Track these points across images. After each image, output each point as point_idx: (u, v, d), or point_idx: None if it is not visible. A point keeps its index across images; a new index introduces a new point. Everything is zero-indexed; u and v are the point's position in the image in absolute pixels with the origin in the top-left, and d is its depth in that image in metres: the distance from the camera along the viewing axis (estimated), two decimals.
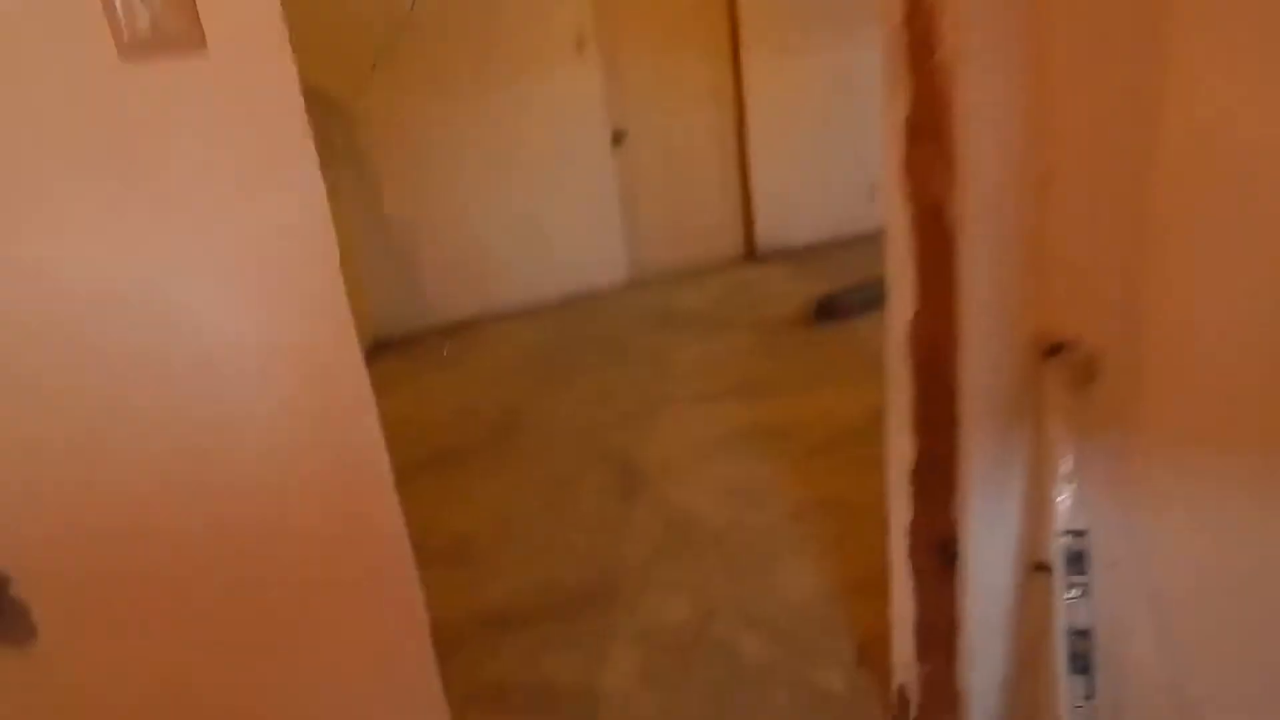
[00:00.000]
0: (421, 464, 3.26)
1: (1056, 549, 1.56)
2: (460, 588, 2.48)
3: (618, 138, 5.23)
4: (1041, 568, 1.73)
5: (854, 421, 3.25)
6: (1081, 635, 1.45)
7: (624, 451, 3.21)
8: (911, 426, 1.59)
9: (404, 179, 4.67)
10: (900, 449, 1.65)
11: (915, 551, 1.69)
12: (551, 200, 5.08)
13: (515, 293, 5.10)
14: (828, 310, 4.44)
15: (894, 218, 1.45)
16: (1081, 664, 1.44)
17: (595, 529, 2.71)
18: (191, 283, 1.16)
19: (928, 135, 1.35)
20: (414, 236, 4.76)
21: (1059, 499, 1.42)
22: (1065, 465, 1.41)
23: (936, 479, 1.58)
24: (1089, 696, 1.46)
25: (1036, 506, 1.67)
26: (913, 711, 1.80)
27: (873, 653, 2.06)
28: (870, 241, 5.84)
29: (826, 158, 5.90)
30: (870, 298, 4.56)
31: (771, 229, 5.81)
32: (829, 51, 5.73)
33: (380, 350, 4.58)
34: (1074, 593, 1.43)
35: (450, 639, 2.25)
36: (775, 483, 2.88)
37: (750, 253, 5.82)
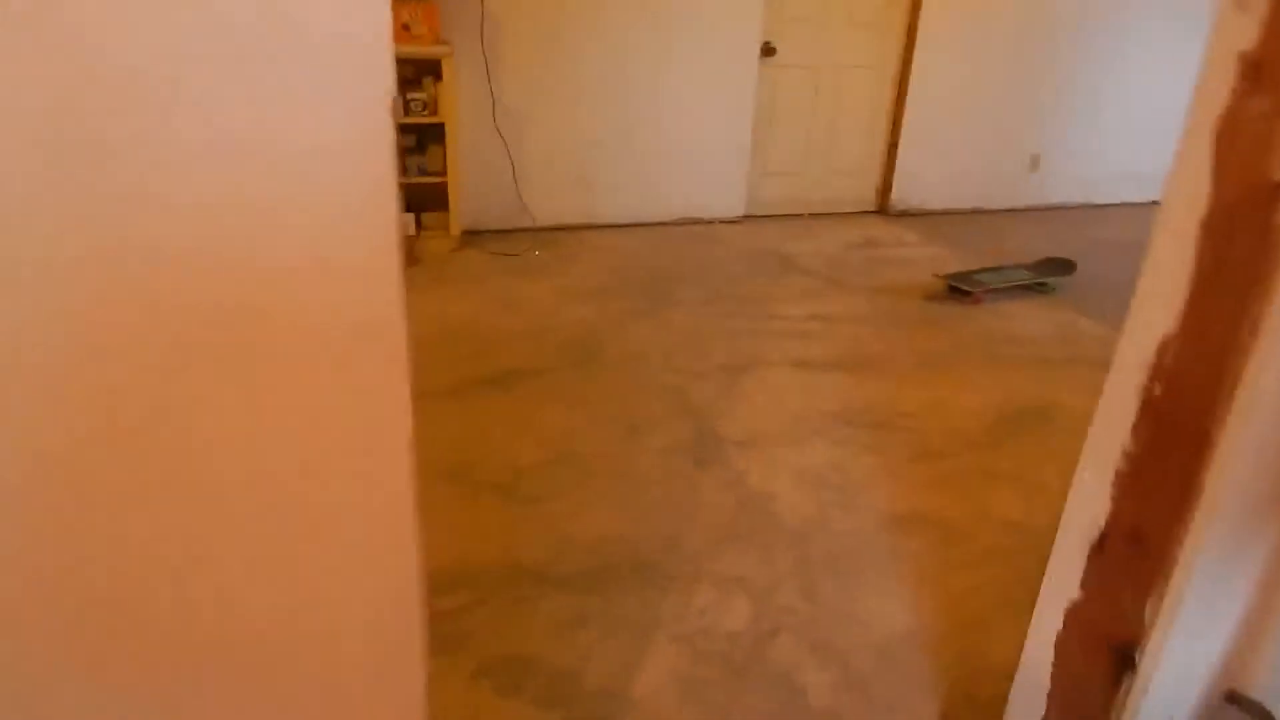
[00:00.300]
0: (486, 380, 2.96)
1: (1270, 687, 1.14)
2: (504, 528, 2.19)
3: (767, 50, 4.68)
4: (1235, 699, 1.30)
5: (971, 425, 2.80)
6: None
7: (706, 410, 2.84)
8: (1115, 482, 1.16)
9: (526, 62, 4.27)
10: (1086, 506, 1.22)
11: (1072, 643, 1.28)
12: (679, 107, 4.60)
13: (622, 206, 4.71)
14: (960, 288, 3.91)
15: (1178, 195, 0.99)
16: None
17: (661, 494, 2.36)
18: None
19: (1272, 81, 0.88)
20: (526, 125, 4.38)
21: None
22: None
23: (1135, 560, 1.15)
24: None
25: (1257, 625, 1.23)
26: None
27: None
28: (1019, 219, 5.18)
29: (987, 119, 5.22)
30: (1012, 282, 4.01)
31: (911, 185, 5.22)
32: (1013, 8, 4.99)
33: (468, 240, 4.28)
34: None
35: (482, 588, 1.96)
36: (871, 483, 2.47)
37: (883, 206, 5.26)
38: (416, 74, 3.96)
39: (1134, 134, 5.58)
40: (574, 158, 4.53)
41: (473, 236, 4.35)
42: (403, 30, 3.71)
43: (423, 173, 4.05)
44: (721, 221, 4.91)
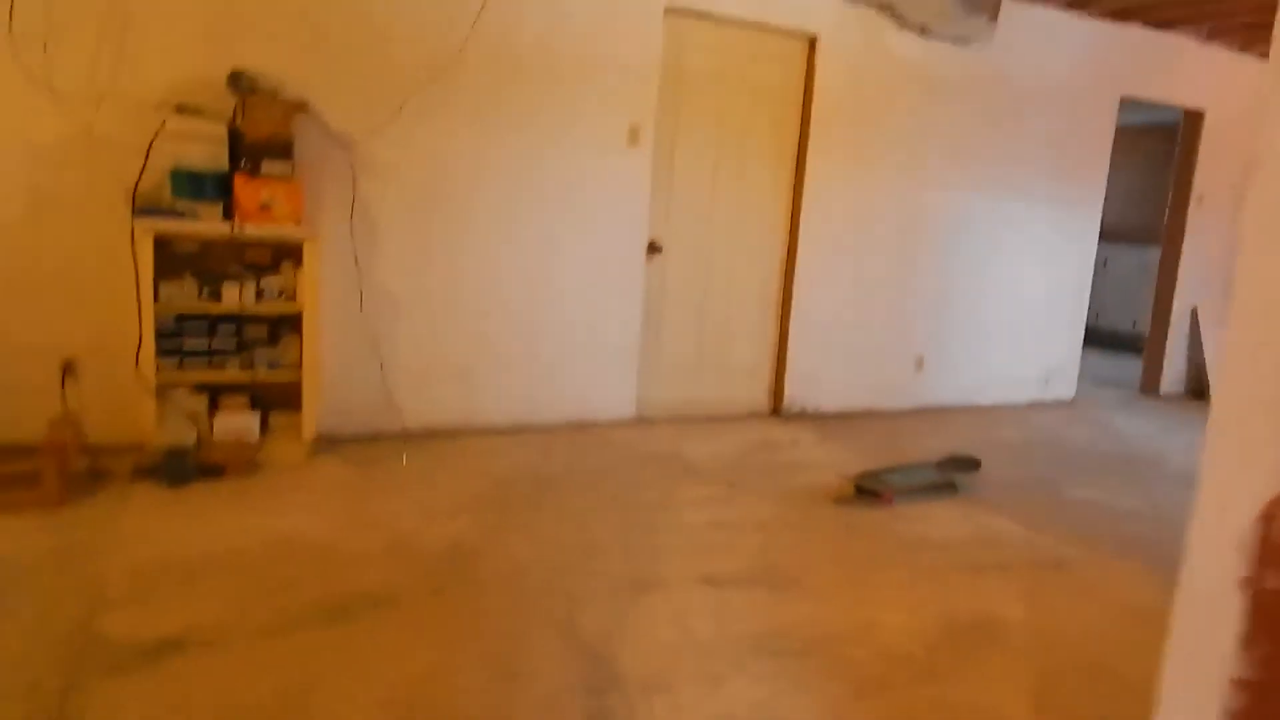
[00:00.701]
0: (324, 612, 2.37)
1: None
2: None
3: (654, 248, 4.60)
4: None
5: (911, 648, 2.39)
6: None
7: (601, 643, 2.33)
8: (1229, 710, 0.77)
9: (401, 249, 3.99)
10: None
11: None
12: (566, 302, 4.38)
13: (505, 407, 4.32)
14: (870, 488, 3.64)
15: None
16: None
17: None
18: None
19: None
20: (398, 318, 4.03)
21: None
22: None
23: None
24: None
25: None
26: None
27: None
28: (912, 418, 5.07)
29: (874, 320, 5.27)
30: (920, 482, 3.78)
31: (804, 387, 5.10)
32: (896, 212, 5.22)
33: (325, 446, 3.75)
34: None
35: None
36: None
37: (777, 408, 5.09)
38: (275, 258, 3.60)
39: (1008, 337, 5.76)
40: (451, 354, 4.17)
41: (331, 443, 3.83)
42: (260, 210, 3.38)
43: (275, 368, 3.58)
44: (612, 423, 4.58)
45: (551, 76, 4.14)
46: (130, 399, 3.35)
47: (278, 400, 3.65)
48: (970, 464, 4.02)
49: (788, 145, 4.89)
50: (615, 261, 4.46)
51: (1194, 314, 6.55)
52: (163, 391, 3.36)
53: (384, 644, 2.23)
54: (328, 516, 3.04)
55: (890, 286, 5.28)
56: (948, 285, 5.47)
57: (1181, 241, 6.40)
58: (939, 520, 3.48)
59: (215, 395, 3.54)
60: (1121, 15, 5.64)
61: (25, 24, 3.24)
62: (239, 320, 3.54)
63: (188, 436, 3.38)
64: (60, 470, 2.95)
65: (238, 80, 3.45)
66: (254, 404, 3.61)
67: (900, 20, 4.96)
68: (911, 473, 3.85)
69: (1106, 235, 6.44)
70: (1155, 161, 8.48)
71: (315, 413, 3.65)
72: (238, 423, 3.51)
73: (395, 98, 3.84)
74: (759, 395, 5.09)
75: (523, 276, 4.26)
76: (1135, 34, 5.76)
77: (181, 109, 3.38)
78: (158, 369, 3.32)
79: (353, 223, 3.84)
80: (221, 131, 3.38)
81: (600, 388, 4.55)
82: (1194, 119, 6.26)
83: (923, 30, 5.03)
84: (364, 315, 3.92)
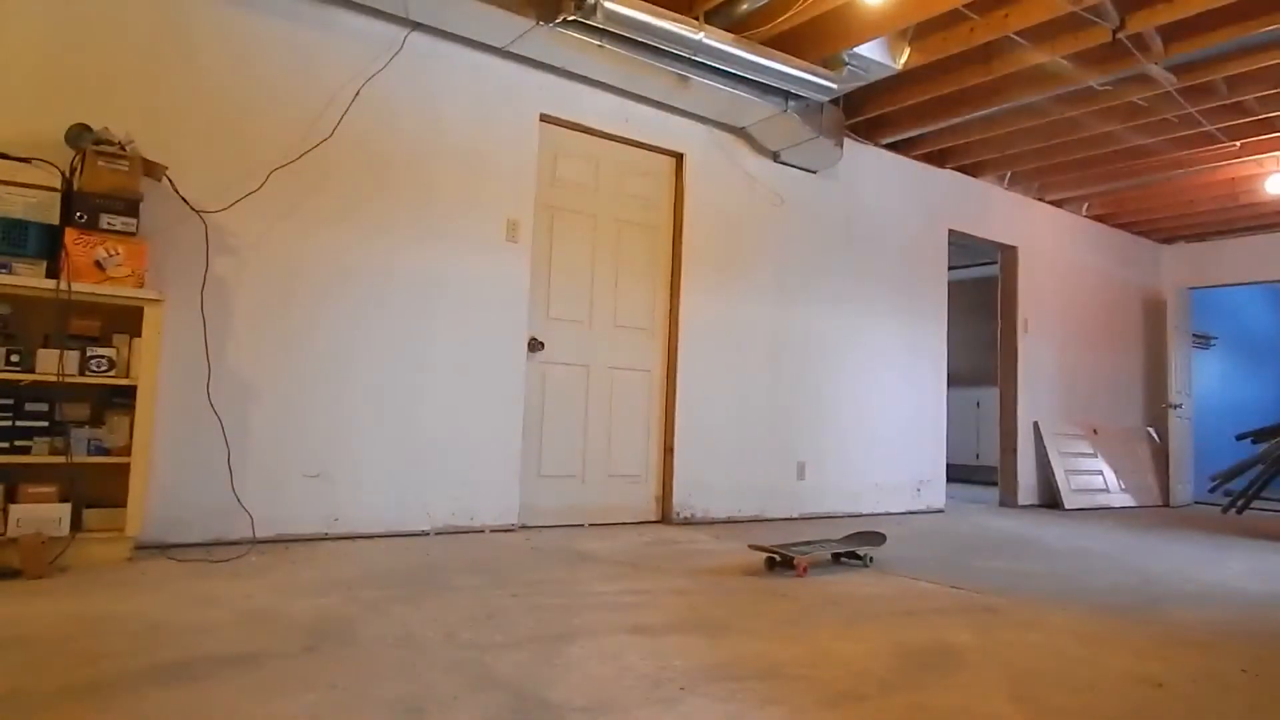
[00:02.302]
0: (163, 673, 1.82)
1: None
2: None
3: (535, 345, 4.42)
4: None
5: (874, 667, 2.12)
6: None
7: (523, 679, 1.90)
8: None
9: (259, 330, 3.60)
10: None
11: None
12: (441, 399, 4.05)
13: (372, 512, 3.83)
14: (783, 555, 3.42)
15: None
16: None
17: None
18: None
19: None
20: (252, 405, 3.56)
21: None
22: None
23: None
24: None
25: None
26: None
27: None
28: (799, 525, 4.92)
29: (757, 428, 5.23)
30: (831, 550, 3.60)
31: (692, 493, 4.89)
32: (767, 324, 5.36)
33: (150, 555, 3.11)
34: None
35: None
36: None
37: (665, 515, 4.82)
38: (106, 325, 3.13)
39: (881, 448, 5.86)
40: (312, 453, 3.70)
41: (162, 550, 3.20)
42: (94, 267, 2.97)
43: (98, 451, 3.01)
44: (494, 530, 4.15)
45: (426, 171, 4.07)
46: None
47: (97, 490, 3.04)
48: (877, 538, 3.89)
49: (662, 254, 4.98)
50: (494, 359, 4.23)
51: (1036, 427, 6.98)
52: None
53: (249, 693, 1.72)
54: (158, 597, 2.45)
55: (769, 395, 5.30)
56: (822, 396, 5.57)
57: (1016, 363, 6.93)
58: (859, 583, 3.27)
59: (15, 482, 2.90)
60: (937, 160, 6.37)
61: None
62: (54, 395, 2.99)
63: None
64: None
65: (79, 134, 3.13)
66: (63, 495, 2.98)
67: (755, 145, 5.34)
68: (820, 546, 3.66)
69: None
70: (971, 313, 9.34)
71: (143, 506, 3.06)
72: (40, 515, 2.87)
73: (258, 175, 3.61)
74: (647, 502, 4.82)
75: (393, 372, 3.93)
76: (953, 177, 6.50)
77: (3, 155, 2.99)
78: None
79: (203, 298, 3.46)
80: (54, 180, 3.01)
81: (480, 493, 4.14)
82: (1010, 252, 7.00)
83: (775, 156, 5.43)
84: (210, 403, 3.44)
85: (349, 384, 3.81)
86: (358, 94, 3.88)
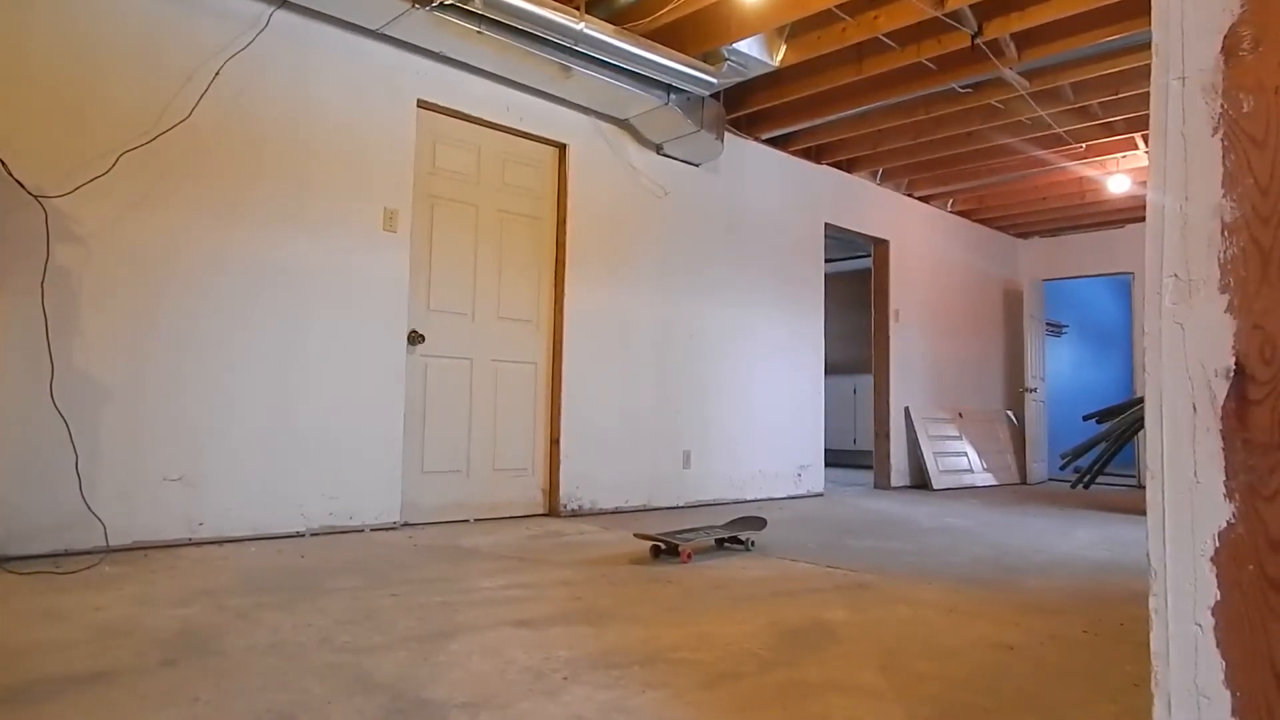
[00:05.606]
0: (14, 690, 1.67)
1: None
2: None
3: (415, 338, 4.30)
4: None
5: (752, 647, 2.19)
6: None
7: (400, 680, 1.86)
8: None
9: (110, 324, 3.35)
10: None
11: None
12: (315, 392, 3.90)
13: (240, 515, 3.64)
14: (667, 543, 3.47)
15: None
16: None
17: None
18: None
19: None
20: (102, 405, 3.32)
21: None
22: None
23: None
24: None
25: None
26: None
27: None
28: (686, 514, 5.03)
29: (642, 417, 5.28)
30: (713, 536, 3.68)
31: (579, 485, 4.89)
32: (651, 316, 5.40)
33: None
34: None
35: None
36: (674, 717, 1.67)
37: (553, 508, 4.80)
38: None
39: (762, 436, 6.02)
40: (175, 453, 3.49)
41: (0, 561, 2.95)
42: None
43: None
44: (374, 529, 4.03)
45: (299, 157, 3.89)
46: None
47: None
48: (758, 522, 3.99)
49: (546, 246, 4.95)
50: (373, 353, 4.10)
51: (906, 412, 7.34)
52: None
53: (97, 714, 1.60)
54: None
55: (655, 386, 5.35)
56: (706, 386, 5.67)
57: (888, 352, 7.26)
58: (740, 568, 3.35)
59: None
60: (815, 156, 6.58)
61: None
62: None
63: None
64: None
65: None
66: None
67: (638, 137, 5.37)
68: (703, 532, 3.73)
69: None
70: (848, 305, 9.73)
71: None
72: None
73: (106, 159, 3.36)
74: (534, 495, 4.78)
75: (265, 368, 3.75)
76: (830, 173, 6.73)
77: None
78: None
79: (44, 290, 3.19)
80: None
81: (360, 492, 4.01)
82: (882, 246, 7.32)
83: (659, 149, 5.48)
84: (55, 404, 3.18)
85: (216, 381, 3.61)
86: (217, 73, 3.66)
